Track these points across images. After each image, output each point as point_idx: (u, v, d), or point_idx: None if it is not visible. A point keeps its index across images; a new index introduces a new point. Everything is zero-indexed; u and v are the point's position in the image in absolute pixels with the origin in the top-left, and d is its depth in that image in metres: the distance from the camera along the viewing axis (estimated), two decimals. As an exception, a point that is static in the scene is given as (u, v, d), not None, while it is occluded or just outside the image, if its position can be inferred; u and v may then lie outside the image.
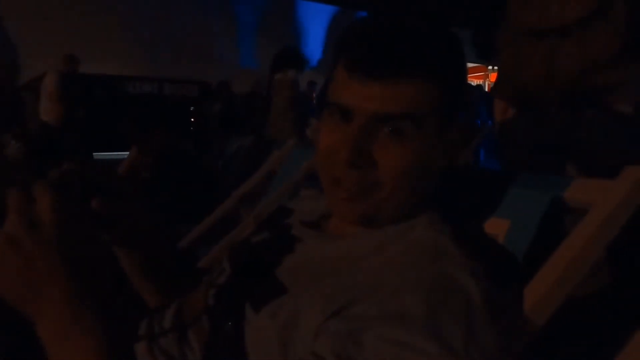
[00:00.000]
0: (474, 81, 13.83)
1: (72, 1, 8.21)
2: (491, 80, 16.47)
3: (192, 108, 7.52)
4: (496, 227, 0.76)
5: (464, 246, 0.51)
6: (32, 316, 0.46)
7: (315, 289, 0.49)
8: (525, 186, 0.82)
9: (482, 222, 0.76)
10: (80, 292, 0.45)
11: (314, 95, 6.84)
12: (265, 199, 1.80)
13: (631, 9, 0.99)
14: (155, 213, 0.64)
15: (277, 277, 0.54)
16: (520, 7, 1.06)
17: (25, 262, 0.45)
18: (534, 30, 1.03)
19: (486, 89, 11.74)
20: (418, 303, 0.43)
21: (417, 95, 0.50)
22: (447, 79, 0.52)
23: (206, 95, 7.40)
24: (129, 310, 0.66)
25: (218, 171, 2.70)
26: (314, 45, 9.77)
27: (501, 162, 1.33)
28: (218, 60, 9.18)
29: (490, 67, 16.52)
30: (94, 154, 6.22)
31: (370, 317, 0.44)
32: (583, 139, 1.01)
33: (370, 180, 0.51)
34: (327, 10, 10.30)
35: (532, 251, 0.71)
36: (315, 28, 10.23)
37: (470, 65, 15.51)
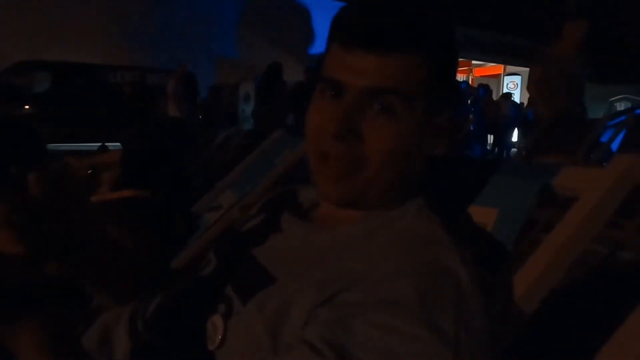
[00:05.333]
0: (459, 76, 13.92)
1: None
2: (474, 75, 16.66)
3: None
4: (484, 215, 0.75)
5: (453, 234, 0.51)
6: None
7: (305, 279, 0.48)
8: (513, 175, 0.81)
9: (471, 210, 0.76)
10: None
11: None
12: (251, 190, 1.77)
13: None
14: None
15: (265, 268, 0.54)
16: None
17: None
18: None
19: (469, 83, 11.85)
20: (408, 289, 0.43)
21: (408, 71, 0.50)
22: (438, 58, 0.52)
23: (189, 84, 7.28)
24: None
25: (197, 165, 2.65)
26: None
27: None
28: (198, 49, 9.03)
29: (474, 62, 16.66)
30: (70, 144, 6.10)
31: (360, 304, 0.43)
32: None
33: (357, 156, 0.51)
34: (311, 3, 10.24)
35: (520, 240, 0.71)
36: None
37: (454, 59, 15.54)
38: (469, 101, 7.04)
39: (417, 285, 0.43)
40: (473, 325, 0.43)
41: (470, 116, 6.19)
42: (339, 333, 0.41)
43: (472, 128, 6.99)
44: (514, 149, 9.09)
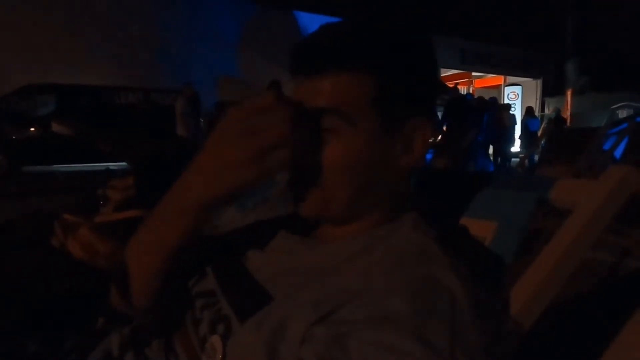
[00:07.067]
0: (459, 88, 14.01)
1: (52, 11, 8.09)
2: (475, 87, 16.71)
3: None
4: (483, 229, 0.76)
5: (448, 248, 0.51)
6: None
7: (301, 296, 0.48)
8: (511, 187, 0.82)
9: (469, 224, 0.76)
10: None
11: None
12: (253, 206, 1.78)
13: None
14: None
15: (262, 286, 0.54)
16: None
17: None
18: None
19: (471, 93, 11.89)
20: (403, 305, 0.43)
21: (345, 89, 0.51)
22: (384, 71, 0.52)
23: (195, 103, 7.36)
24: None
25: None
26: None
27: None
28: (200, 68, 9.14)
29: (474, 74, 16.73)
30: (78, 165, 6.12)
31: (356, 321, 0.43)
32: None
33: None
34: (308, 22, 10.37)
35: (519, 253, 0.71)
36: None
37: (454, 71, 15.74)
38: (472, 113, 7.02)
39: (411, 302, 0.43)
40: (468, 340, 0.42)
41: (473, 129, 6.18)
42: (335, 351, 0.41)
43: (479, 139, 6.96)
44: (514, 159, 9.08)
